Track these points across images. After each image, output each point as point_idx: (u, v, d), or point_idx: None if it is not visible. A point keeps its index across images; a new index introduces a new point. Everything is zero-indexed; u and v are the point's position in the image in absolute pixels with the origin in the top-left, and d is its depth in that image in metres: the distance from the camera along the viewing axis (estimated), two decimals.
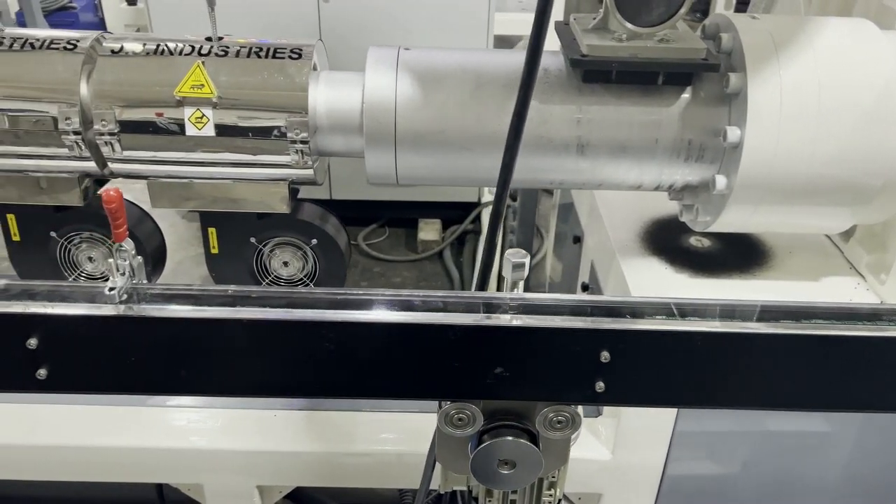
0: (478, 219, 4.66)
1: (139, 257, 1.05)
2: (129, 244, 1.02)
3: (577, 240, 2.34)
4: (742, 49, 1.51)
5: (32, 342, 0.99)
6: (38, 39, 1.58)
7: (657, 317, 1.01)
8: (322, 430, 1.89)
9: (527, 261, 1.08)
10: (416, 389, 1.10)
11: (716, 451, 1.87)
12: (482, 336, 1.05)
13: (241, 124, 1.56)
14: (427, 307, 1.07)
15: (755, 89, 1.47)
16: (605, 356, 1.03)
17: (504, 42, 4.96)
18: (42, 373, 1.02)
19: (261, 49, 1.60)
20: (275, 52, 1.59)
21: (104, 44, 1.59)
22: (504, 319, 1.07)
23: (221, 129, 1.57)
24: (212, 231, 1.82)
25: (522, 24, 4.91)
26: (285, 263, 1.88)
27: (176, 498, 2.21)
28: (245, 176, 1.65)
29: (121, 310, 1.00)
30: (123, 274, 1.03)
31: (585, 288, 2.13)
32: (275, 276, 1.89)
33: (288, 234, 1.83)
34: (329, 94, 1.62)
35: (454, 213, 4.68)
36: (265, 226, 1.81)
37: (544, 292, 3.16)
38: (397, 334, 1.04)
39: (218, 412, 1.89)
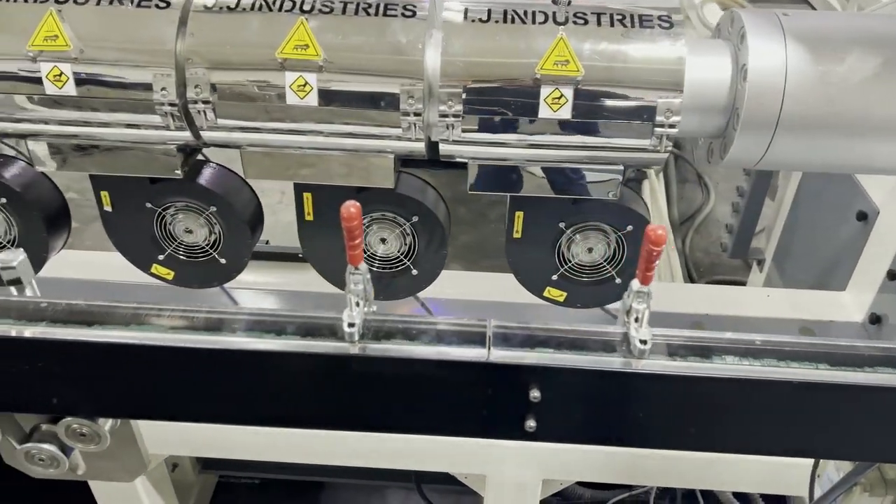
0: None
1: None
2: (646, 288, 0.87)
3: (864, 216, 2.10)
4: None
5: (535, 394, 0.86)
6: (371, 4, 1.40)
7: None
8: None
9: None
10: None
11: None
12: None
13: (606, 105, 1.37)
14: None
15: None
16: None
17: None
18: (531, 424, 0.89)
19: (623, 16, 1.39)
20: (641, 19, 1.38)
21: (449, 4, 1.40)
22: None
23: (580, 111, 1.38)
24: (518, 215, 1.66)
25: None
26: (590, 250, 1.72)
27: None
28: (592, 160, 1.47)
29: (640, 365, 0.85)
30: (638, 321, 0.87)
31: (894, 276, 1.91)
32: (576, 262, 1.73)
33: (599, 220, 1.66)
34: (692, 67, 1.40)
35: None
36: (577, 209, 1.64)
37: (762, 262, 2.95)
38: None
39: None
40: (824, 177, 2.43)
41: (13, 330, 1.03)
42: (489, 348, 0.88)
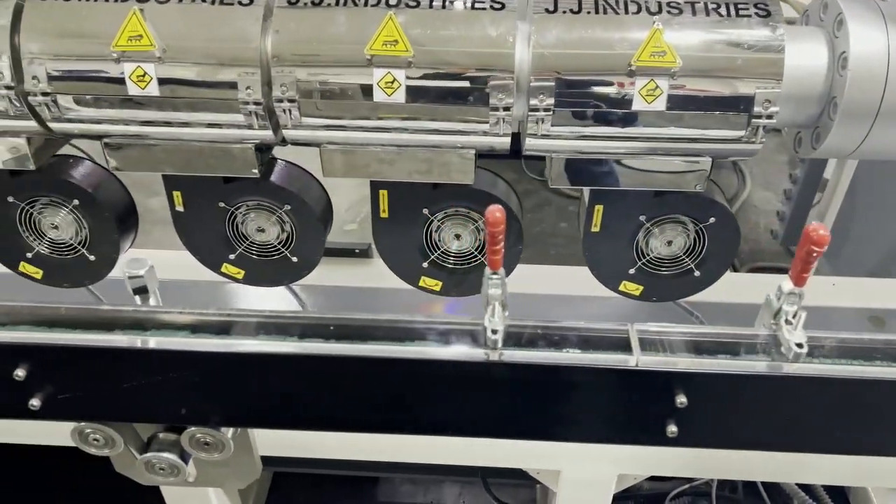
0: None
1: None
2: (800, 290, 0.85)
3: None
4: None
5: (682, 400, 0.84)
6: None
7: None
8: None
9: None
10: None
11: None
12: None
13: (702, 96, 1.34)
14: None
15: None
16: None
17: None
18: (673, 430, 0.88)
19: (717, 4, 1.35)
20: (737, 8, 1.35)
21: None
22: None
23: (675, 103, 1.35)
24: (598, 209, 1.63)
25: None
26: (669, 243, 1.69)
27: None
28: (682, 152, 1.44)
29: (794, 368, 0.83)
30: (791, 323, 0.85)
31: None
32: (655, 256, 1.70)
33: (681, 212, 1.63)
34: (789, 55, 1.37)
35: None
36: (659, 202, 1.61)
37: None
38: None
39: None
40: (886, 164, 2.39)
41: (139, 340, 1.01)
42: (636, 354, 0.87)
